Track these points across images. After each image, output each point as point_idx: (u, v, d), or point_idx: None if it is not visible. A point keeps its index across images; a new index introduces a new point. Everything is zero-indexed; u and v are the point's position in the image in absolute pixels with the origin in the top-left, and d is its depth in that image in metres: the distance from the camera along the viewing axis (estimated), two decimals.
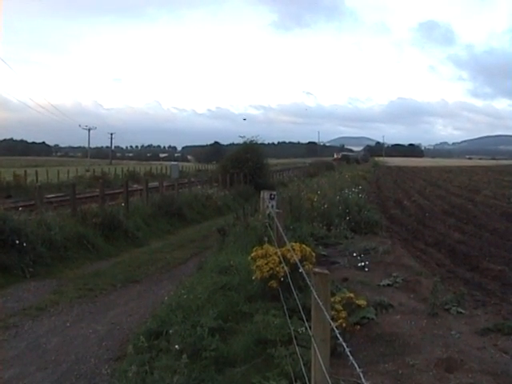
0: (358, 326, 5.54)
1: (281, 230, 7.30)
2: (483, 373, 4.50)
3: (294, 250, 6.37)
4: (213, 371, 4.75)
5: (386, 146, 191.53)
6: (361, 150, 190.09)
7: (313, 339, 3.21)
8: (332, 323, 3.12)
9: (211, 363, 4.87)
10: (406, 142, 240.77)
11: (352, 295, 5.85)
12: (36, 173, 35.52)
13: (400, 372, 4.57)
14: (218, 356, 4.99)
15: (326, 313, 3.08)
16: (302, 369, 4.03)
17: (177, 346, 5.03)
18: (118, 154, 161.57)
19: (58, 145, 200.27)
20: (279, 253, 6.49)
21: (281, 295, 6.00)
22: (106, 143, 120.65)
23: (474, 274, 10.35)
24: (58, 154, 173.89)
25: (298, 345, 4.52)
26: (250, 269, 6.84)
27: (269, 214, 10.08)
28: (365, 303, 5.86)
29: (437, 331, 5.54)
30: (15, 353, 6.16)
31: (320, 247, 10.15)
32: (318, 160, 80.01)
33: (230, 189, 27.82)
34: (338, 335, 2.86)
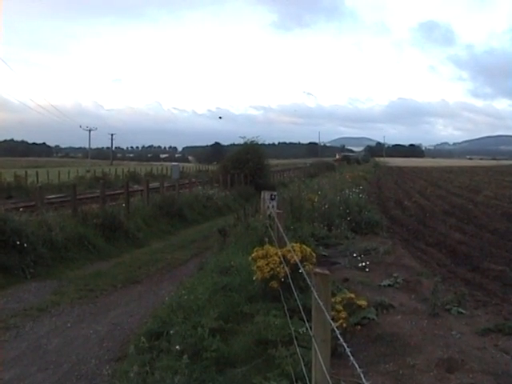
0: (359, 327, 5.54)
1: (281, 231, 7.31)
2: (484, 373, 4.49)
3: (294, 250, 6.37)
4: (214, 372, 4.75)
5: (386, 146, 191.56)
6: (361, 151, 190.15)
7: (313, 339, 3.21)
8: (332, 323, 3.12)
9: (212, 364, 4.87)
10: (406, 143, 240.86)
11: (353, 295, 5.85)
12: (37, 173, 35.57)
13: (401, 372, 4.57)
14: (218, 356, 4.99)
15: (326, 313, 3.08)
16: (302, 369, 4.03)
17: (178, 347, 5.03)
18: (119, 155, 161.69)
19: (58, 145, 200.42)
20: (280, 253, 6.49)
21: (281, 296, 6.00)
22: (106, 144, 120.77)
23: (474, 275, 10.34)
24: (59, 154, 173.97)
25: (298, 345, 4.52)
26: (250, 269, 6.85)
27: (269, 215, 10.09)
28: (365, 303, 5.86)
29: (437, 331, 5.54)
30: (16, 353, 6.16)
31: (320, 248, 10.14)
32: (319, 160, 79.99)
33: (231, 189, 27.83)
34: (339, 335, 2.87)
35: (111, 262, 12.09)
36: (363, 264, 8.74)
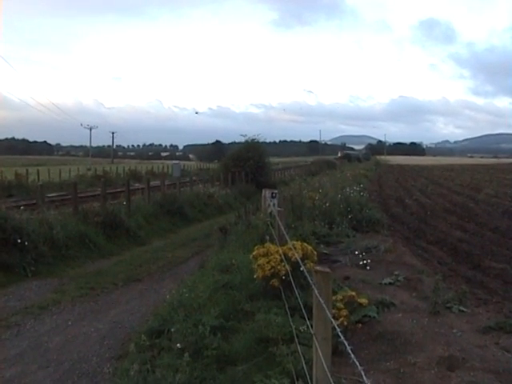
0: (360, 325, 5.54)
1: (282, 229, 7.31)
2: (485, 371, 4.49)
3: (295, 248, 6.37)
4: (214, 370, 4.75)
5: (387, 144, 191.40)
6: (362, 149, 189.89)
7: (314, 338, 3.21)
8: (333, 321, 3.12)
9: (213, 362, 4.87)
10: (407, 141, 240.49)
11: (354, 293, 5.85)
12: (37, 172, 35.58)
13: (402, 370, 4.57)
14: (219, 354, 4.99)
15: (327, 311, 3.07)
16: (303, 367, 4.03)
17: (178, 345, 5.04)
18: (120, 153, 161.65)
19: (59, 144, 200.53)
20: (281, 251, 6.49)
21: (282, 294, 6.00)
22: (107, 142, 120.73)
23: (475, 273, 10.33)
24: (60, 153, 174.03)
25: (299, 343, 4.52)
26: (251, 267, 6.85)
27: (270, 213, 10.08)
28: (366, 301, 5.86)
29: (438, 329, 5.54)
30: (17, 351, 6.17)
31: (321, 246, 10.14)
32: (320, 158, 79.87)
33: (232, 187, 27.83)
34: (340, 333, 2.86)
35: (112, 260, 12.10)
36: (364, 262, 8.74)
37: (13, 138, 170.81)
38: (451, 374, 4.46)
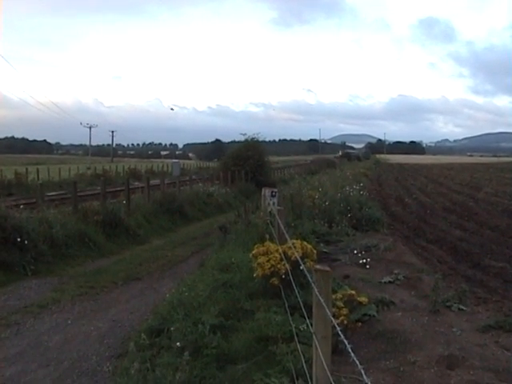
0: (360, 323, 5.54)
1: (282, 228, 7.30)
2: (484, 370, 4.49)
3: (295, 247, 6.37)
4: (214, 368, 4.76)
5: (387, 143, 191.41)
6: (362, 148, 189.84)
7: (314, 336, 3.21)
8: (333, 320, 3.12)
9: (213, 360, 4.87)
10: (407, 140, 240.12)
11: (353, 292, 5.86)
12: (37, 171, 35.56)
13: (401, 369, 4.57)
14: (219, 353, 5.00)
15: (327, 310, 3.07)
16: (303, 366, 4.03)
17: (178, 344, 5.04)
18: (120, 152, 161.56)
19: (59, 143, 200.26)
20: (280, 250, 6.49)
21: (282, 292, 6.01)
22: (107, 141, 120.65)
23: (475, 271, 10.33)
24: (59, 151, 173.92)
25: (299, 342, 4.52)
26: (251, 266, 6.85)
27: (270, 212, 10.08)
28: (366, 300, 5.87)
29: (438, 328, 5.54)
30: (17, 350, 6.17)
31: (321, 244, 10.15)
32: (320, 157, 79.84)
33: (232, 186, 27.81)
34: (340, 332, 2.86)
35: (112, 258, 12.10)
36: (364, 261, 8.75)
37: (12, 137, 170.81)
38: (451, 372, 4.46)
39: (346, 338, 2.82)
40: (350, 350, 2.61)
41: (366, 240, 10.66)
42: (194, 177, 28.60)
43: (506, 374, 4.44)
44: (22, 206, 12.60)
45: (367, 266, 8.56)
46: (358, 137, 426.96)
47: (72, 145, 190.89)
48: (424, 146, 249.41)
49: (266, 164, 34.59)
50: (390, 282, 7.60)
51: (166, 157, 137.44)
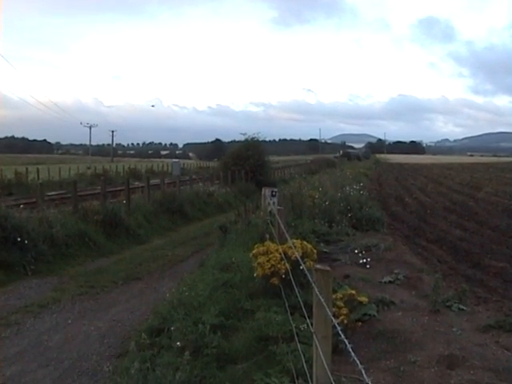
0: (360, 323, 5.54)
1: (282, 227, 7.30)
2: (485, 369, 4.49)
3: (295, 246, 6.37)
4: (214, 368, 4.76)
5: (387, 143, 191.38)
6: (362, 147, 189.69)
7: (314, 336, 3.21)
8: (334, 320, 3.12)
9: (213, 360, 4.87)
10: (407, 139, 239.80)
11: (353, 292, 5.86)
12: (37, 170, 35.54)
13: (401, 369, 4.57)
14: (219, 353, 5.00)
15: (327, 310, 3.07)
16: (303, 366, 4.03)
17: (178, 343, 5.04)
18: (120, 152, 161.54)
19: (59, 142, 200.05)
20: (281, 250, 6.49)
21: (282, 292, 6.01)
22: (107, 141, 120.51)
23: (475, 271, 10.34)
24: (60, 151, 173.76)
25: (299, 342, 4.52)
26: (251, 266, 6.85)
27: (270, 211, 10.08)
28: (366, 300, 5.86)
29: (438, 328, 5.54)
30: (17, 350, 6.17)
31: (321, 244, 10.14)
32: (320, 157, 79.78)
33: (232, 186, 27.80)
34: (340, 332, 2.86)
35: (112, 258, 12.10)
36: (364, 260, 8.74)
37: (12, 137, 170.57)
38: (451, 372, 4.46)
39: (347, 338, 2.82)
40: (350, 350, 2.60)
41: (366, 240, 10.66)
42: (194, 176, 28.60)
43: (507, 374, 4.44)
44: (22, 206, 12.61)
45: (367, 266, 8.56)
46: (358, 136, 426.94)
47: (72, 144, 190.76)
48: (424, 145, 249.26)
49: (266, 164, 34.57)
50: (390, 281, 7.59)
51: (166, 156, 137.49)
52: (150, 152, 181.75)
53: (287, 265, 6.03)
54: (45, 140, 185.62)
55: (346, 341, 2.74)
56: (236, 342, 5.27)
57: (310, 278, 3.59)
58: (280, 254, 6.40)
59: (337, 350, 4.35)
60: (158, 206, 18.04)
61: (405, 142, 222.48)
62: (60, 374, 5.50)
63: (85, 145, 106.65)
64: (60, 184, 31.41)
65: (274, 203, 10.59)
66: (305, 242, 6.99)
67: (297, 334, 4.74)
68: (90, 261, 11.62)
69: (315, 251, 7.03)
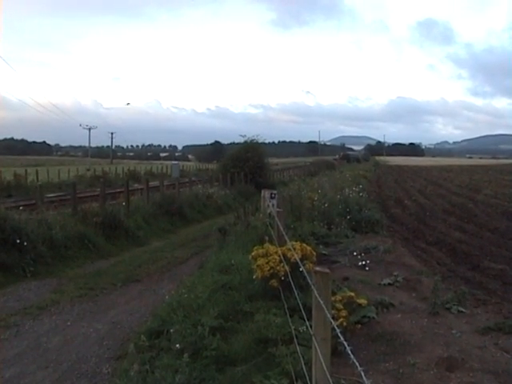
0: (359, 325, 5.54)
1: (281, 229, 7.30)
2: (484, 372, 4.50)
3: (294, 249, 6.36)
4: (214, 370, 4.75)
5: (386, 145, 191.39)
6: (361, 149, 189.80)
7: (313, 338, 3.21)
8: (333, 322, 3.12)
9: (212, 362, 4.87)
10: (406, 141, 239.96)
11: (353, 294, 5.85)
12: (36, 172, 35.51)
13: (401, 371, 4.57)
14: (218, 355, 4.99)
15: (326, 312, 3.08)
16: (302, 368, 4.03)
17: (178, 345, 5.04)
18: (119, 154, 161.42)
19: (58, 144, 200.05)
20: (280, 252, 6.48)
21: (281, 294, 6.00)
22: (106, 142, 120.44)
23: (474, 273, 10.34)
24: (59, 153, 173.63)
25: (298, 344, 4.52)
26: (250, 268, 6.85)
27: (269, 213, 10.09)
28: (366, 302, 5.86)
29: (438, 330, 5.54)
30: (16, 352, 6.17)
31: (321, 246, 10.14)
32: (319, 159, 79.87)
33: (231, 188, 27.82)
34: (339, 334, 2.86)
35: (111, 260, 12.09)
36: (363, 263, 8.74)
37: (12, 139, 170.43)
38: (450, 374, 4.47)
39: (346, 340, 2.82)
40: (349, 352, 2.61)
41: (366, 242, 10.66)
42: (193, 178, 28.60)
43: (506, 376, 4.44)
44: (21, 208, 12.60)
45: (366, 268, 8.56)
46: (357, 139, 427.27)
47: (71, 146, 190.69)
48: (423, 147, 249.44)
49: (266, 166, 34.61)
50: (389, 283, 7.59)
51: (165, 158, 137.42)
52: (149, 154, 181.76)
53: (286, 267, 6.03)
54: (44, 142, 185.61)
55: (345, 343, 2.74)
56: (235, 345, 5.27)
57: (309, 280, 3.60)
58: (279, 256, 6.40)
59: (336, 353, 4.35)
60: (157, 208, 18.04)
61: (404, 144, 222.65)
62: (59, 376, 5.49)
63: (84, 147, 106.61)
64: (59, 186, 31.41)
65: (273, 205, 10.59)
66: (304, 244, 6.99)
67: (296, 336, 4.75)
68: (89, 263, 11.61)
69: (314, 253, 7.03)
